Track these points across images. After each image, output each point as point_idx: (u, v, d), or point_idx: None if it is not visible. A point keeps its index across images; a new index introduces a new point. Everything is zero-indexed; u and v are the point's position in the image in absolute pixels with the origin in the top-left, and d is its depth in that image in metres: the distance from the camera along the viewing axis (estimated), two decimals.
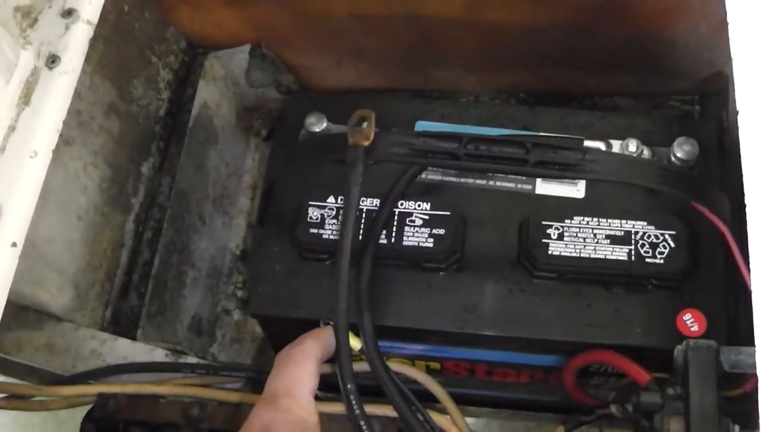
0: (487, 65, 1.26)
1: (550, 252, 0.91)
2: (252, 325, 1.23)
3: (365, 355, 0.86)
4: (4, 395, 0.97)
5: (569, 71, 1.25)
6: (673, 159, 0.96)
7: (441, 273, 0.93)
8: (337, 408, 0.89)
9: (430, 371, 0.99)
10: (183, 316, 1.15)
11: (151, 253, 1.15)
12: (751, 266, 0.65)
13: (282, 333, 0.97)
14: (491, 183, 0.98)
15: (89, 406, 0.95)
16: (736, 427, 0.79)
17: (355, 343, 0.86)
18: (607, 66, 1.22)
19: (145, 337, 1.07)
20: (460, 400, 0.95)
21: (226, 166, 1.28)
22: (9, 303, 0.72)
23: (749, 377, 0.80)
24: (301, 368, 0.83)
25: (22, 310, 1.04)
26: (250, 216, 1.29)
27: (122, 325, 1.11)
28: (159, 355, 1.03)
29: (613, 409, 0.91)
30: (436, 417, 0.88)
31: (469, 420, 0.95)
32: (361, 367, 0.95)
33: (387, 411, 0.88)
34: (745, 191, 0.68)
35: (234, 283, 1.26)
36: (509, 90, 1.30)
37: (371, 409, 0.88)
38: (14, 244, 0.74)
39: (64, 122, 0.80)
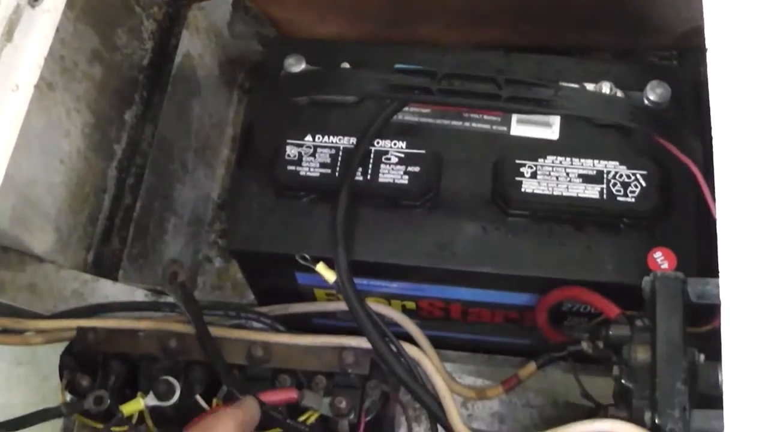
0: (469, 20, 1.27)
1: (523, 190, 0.92)
2: (233, 272, 1.24)
3: (339, 287, 0.87)
4: None
5: (549, 27, 1.26)
6: (645, 102, 0.97)
7: (416, 210, 0.94)
8: (313, 340, 0.91)
9: (405, 311, 1.00)
10: (164, 260, 1.16)
11: (133, 199, 1.16)
12: (716, 195, 0.67)
13: (260, 271, 0.99)
14: (467, 124, 0.99)
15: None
16: (702, 356, 0.80)
17: (330, 275, 0.88)
18: (587, 22, 1.23)
19: (126, 279, 1.09)
20: (436, 344, 0.96)
21: (209, 117, 1.29)
22: None
23: (717, 313, 0.81)
24: None
25: (4, 251, 1.05)
26: (231, 166, 1.30)
27: (104, 268, 1.13)
28: (140, 295, 1.05)
29: (584, 345, 0.92)
30: (409, 349, 0.89)
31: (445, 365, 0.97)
32: (338, 306, 0.97)
33: (361, 342, 0.89)
34: (712, 124, 0.69)
35: (215, 232, 1.27)
36: (490, 45, 1.31)
37: (345, 341, 0.90)
38: None
39: (48, 67, 0.82)
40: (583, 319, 0.98)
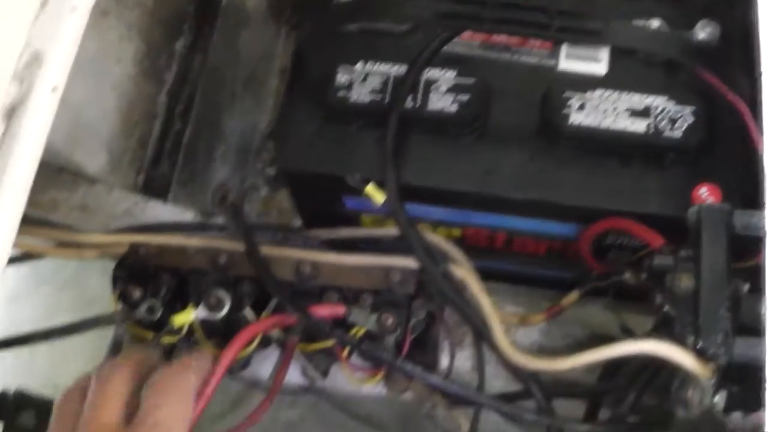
0: None
1: (570, 122, 0.93)
2: (278, 201, 1.26)
3: (388, 206, 0.89)
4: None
5: None
6: (695, 40, 0.98)
7: (464, 138, 0.96)
8: (361, 259, 0.92)
9: (451, 240, 1.01)
10: (212, 186, 1.18)
11: (182, 125, 1.18)
12: (763, 132, 0.68)
13: (308, 194, 1.01)
14: (516, 57, 1.00)
15: None
16: (745, 287, 0.81)
17: (379, 196, 0.89)
18: None
19: (176, 201, 1.11)
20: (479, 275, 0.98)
21: (258, 49, 1.30)
22: (45, 164, 0.75)
23: (761, 249, 0.82)
24: (177, 397, 0.72)
25: (58, 171, 1.07)
26: (279, 98, 1.32)
27: (153, 192, 1.14)
28: (188, 217, 1.06)
29: (627, 275, 0.94)
30: (455, 269, 0.91)
31: None
32: (385, 231, 0.99)
33: (408, 262, 0.91)
34: (761, 62, 0.70)
35: (262, 161, 1.29)
36: None
37: (392, 260, 0.91)
38: (55, 89, 0.77)
39: None
40: (626, 253, 0.99)
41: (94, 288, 0.95)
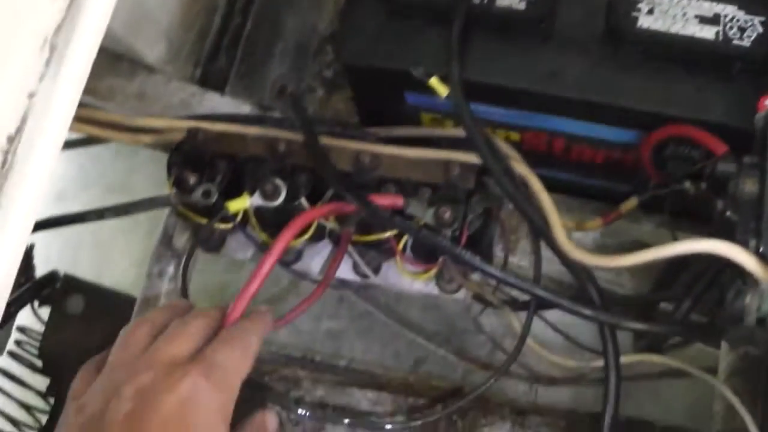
0: None
1: (638, 25, 0.92)
2: (335, 103, 1.25)
3: (452, 100, 0.88)
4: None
5: None
6: None
7: (529, 37, 0.94)
8: (420, 152, 0.92)
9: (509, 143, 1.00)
10: (269, 82, 1.18)
11: (242, 20, 1.18)
12: None
13: (369, 89, 1.00)
14: None
15: None
16: None
17: (443, 89, 0.88)
18: None
19: (233, 94, 1.10)
20: None
21: None
22: (104, 50, 0.75)
23: None
24: (240, 351, 0.76)
25: (117, 58, 1.07)
26: (338, 1, 1.31)
27: (210, 85, 1.14)
28: (245, 110, 1.06)
29: (687, 184, 0.92)
30: (516, 166, 0.90)
31: None
32: (444, 131, 0.98)
33: (468, 157, 0.90)
34: None
35: (320, 63, 1.28)
36: None
37: (453, 154, 0.91)
38: None
39: None
40: (686, 164, 0.98)
41: (141, 192, 0.94)
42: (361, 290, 1.23)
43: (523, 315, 0.95)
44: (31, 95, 0.77)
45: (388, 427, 0.99)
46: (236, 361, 0.75)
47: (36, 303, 1.16)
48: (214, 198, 0.90)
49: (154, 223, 1.07)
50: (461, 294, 0.96)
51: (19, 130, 0.77)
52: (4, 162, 0.76)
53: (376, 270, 0.97)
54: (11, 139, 0.76)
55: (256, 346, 0.78)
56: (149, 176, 0.91)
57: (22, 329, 1.21)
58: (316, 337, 1.43)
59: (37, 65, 0.69)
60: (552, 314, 0.98)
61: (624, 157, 1.01)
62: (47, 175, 0.78)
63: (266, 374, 1.11)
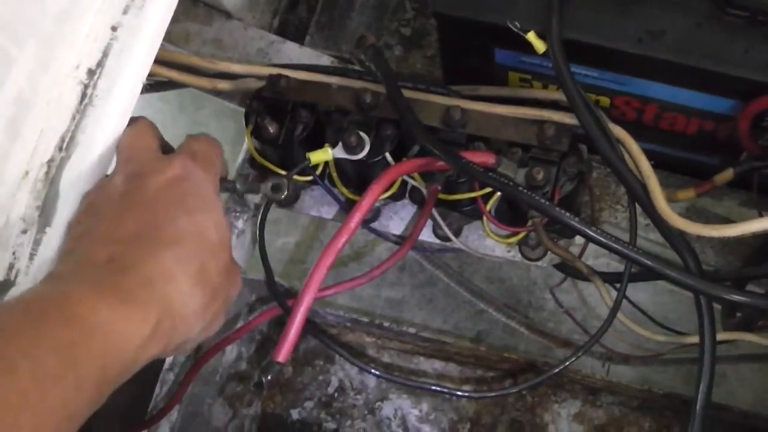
0: None
1: None
2: (412, 62, 1.22)
3: (550, 56, 0.84)
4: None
5: None
6: None
7: None
8: (513, 110, 0.88)
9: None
10: (348, 35, 1.15)
11: None
12: None
13: (459, 42, 0.96)
14: None
15: None
16: None
17: (540, 45, 0.84)
18: None
19: (313, 45, 1.07)
20: None
21: None
22: None
23: None
24: (213, 140, 0.81)
25: (193, 3, 1.04)
26: None
27: (288, 36, 1.11)
28: (325, 61, 1.03)
29: None
30: (614, 128, 0.86)
31: None
32: (530, 93, 0.94)
33: (563, 117, 0.86)
34: None
35: (398, 20, 1.24)
36: None
37: (547, 113, 0.87)
38: None
39: None
40: None
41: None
42: (436, 255, 1.20)
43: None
44: (114, 28, 0.74)
45: (461, 394, 0.96)
46: (210, 145, 0.80)
47: None
48: (284, 193, 0.85)
49: None
50: (544, 262, 0.92)
51: (100, 63, 0.74)
52: (83, 96, 0.73)
53: (457, 233, 0.94)
54: (92, 73, 0.73)
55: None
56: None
57: None
58: (376, 305, 1.40)
59: None
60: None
61: (717, 129, 0.97)
62: (127, 115, 0.76)
63: (331, 337, 1.09)
